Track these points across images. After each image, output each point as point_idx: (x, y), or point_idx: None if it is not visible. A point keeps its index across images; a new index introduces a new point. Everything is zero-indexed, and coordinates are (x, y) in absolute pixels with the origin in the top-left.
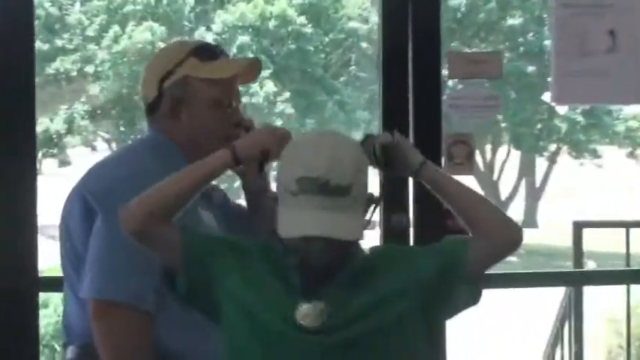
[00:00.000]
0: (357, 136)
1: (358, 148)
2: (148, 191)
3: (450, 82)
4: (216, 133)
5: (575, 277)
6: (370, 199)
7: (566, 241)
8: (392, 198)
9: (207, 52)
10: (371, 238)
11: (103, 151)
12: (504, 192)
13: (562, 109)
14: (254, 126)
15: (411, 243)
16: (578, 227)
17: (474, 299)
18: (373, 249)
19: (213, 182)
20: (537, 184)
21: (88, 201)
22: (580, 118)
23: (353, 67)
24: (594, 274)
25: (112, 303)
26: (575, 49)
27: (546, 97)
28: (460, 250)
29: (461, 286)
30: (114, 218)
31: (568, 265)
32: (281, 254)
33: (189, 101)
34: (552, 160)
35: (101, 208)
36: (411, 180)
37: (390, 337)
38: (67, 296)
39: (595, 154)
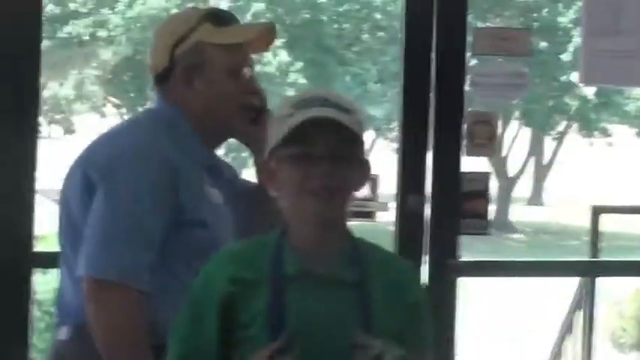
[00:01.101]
0: (372, 110)
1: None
2: None
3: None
4: (234, 101)
5: (589, 267)
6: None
7: (573, 219)
8: (408, 179)
9: (221, 18)
10: (387, 218)
11: (111, 116)
12: (512, 169)
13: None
14: (266, 97)
15: (428, 225)
16: (596, 212)
17: None
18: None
19: (223, 156)
20: (545, 162)
21: (90, 174)
22: (591, 97)
23: (367, 37)
24: (610, 265)
25: (105, 281)
26: (607, 28)
27: (573, 77)
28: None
29: None
30: (113, 193)
31: (575, 245)
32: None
33: (205, 68)
34: (561, 138)
35: (101, 181)
36: (429, 161)
37: None
38: (62, 273)
39: (605, 133)
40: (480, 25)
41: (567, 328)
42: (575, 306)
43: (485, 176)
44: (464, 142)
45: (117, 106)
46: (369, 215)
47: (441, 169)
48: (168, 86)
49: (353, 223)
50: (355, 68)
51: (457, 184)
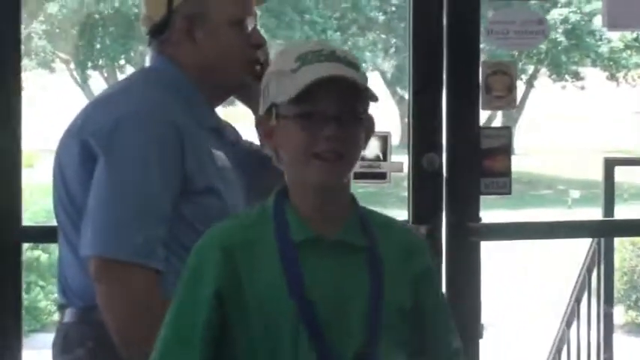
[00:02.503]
0: None
1: None
2: None
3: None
4: (238, 55)
5: (604, 227)
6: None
7: (544, 168)
8: (424, 139)
9: None
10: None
11: (60, 71)
12: (481, 118)
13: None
14: (268, 53)
15: (444, 185)
16: (610, 165)
17: None
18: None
19: (224, 119)
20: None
21: (89, 144)
22: (562, 38)
23: None
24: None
25: (116, 261)
26: None
27: (598, 20)
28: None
29: None
30: (117, 162)
31: (548, 194)
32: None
33: (207, 19)
34: (530, 82)
35: (103, 150)
36: (444, 120)
37: None
38: (63, 251)
39: (577, 77)
40: None
41: (581, 289)
42: (589, 266)
43: (507, 131)
44: (480, 96)
45: (65, 62)
46: (381, 176)
47: (458, 124)
48: (167, 39)
49: (364, 185)
50: (314, 16)
51: (477, 141)
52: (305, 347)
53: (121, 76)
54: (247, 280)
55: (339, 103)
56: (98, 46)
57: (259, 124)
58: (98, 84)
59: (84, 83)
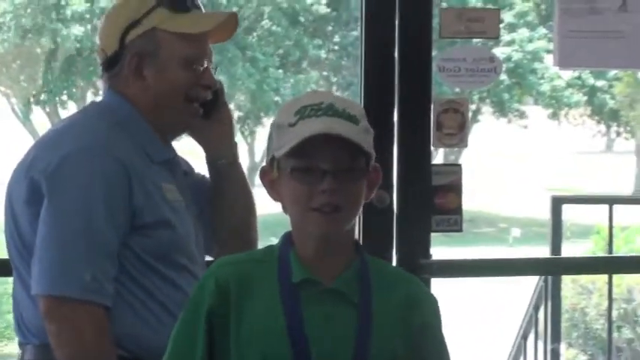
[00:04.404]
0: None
1: None
2: None
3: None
4: (180, 94)
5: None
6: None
7: (486, 205)
8: None
9: (180, 2)
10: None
11: (1, 105)
12: None
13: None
14: (224, 90)
15: (394, 222)
16: (557, 203)
17: None
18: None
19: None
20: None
21: (36, 182)
22: (503, 77)
23: (266, 21)
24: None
25: (65, 299)
26: (582, 7)
27: (548, 59)
28: None
29: None
30: (62, 202)
31: (490, 232)
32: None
33: (157, 57)
34: (474, 119)
35: (48, 190)
36: (395, 157)
37: None
38: (16, 288)
39: (521, 115)
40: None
41: (528, 327)
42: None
43: (458, 169)
44: (432, 133)
45: (6, 95)
46: None
47: (409, 161)
48: (117, 74)
49: None
50: (254, 53)
51: (428, 178)
52: None
53: (62, 112)
54: (240, 312)
55: (335, 158)
56: (40, 81)
57: (264, 175)
58: (40, 119)
59: (25, 119)
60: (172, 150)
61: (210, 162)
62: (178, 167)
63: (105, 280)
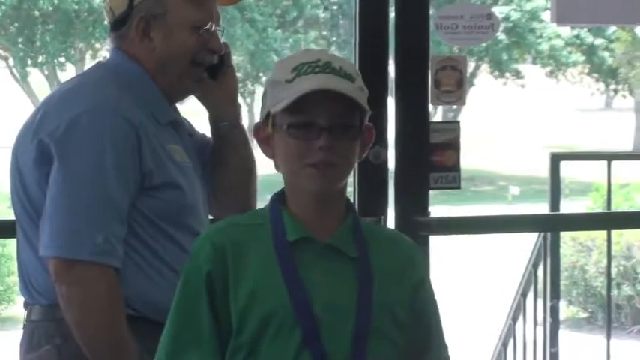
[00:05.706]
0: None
1: None
2: None
3: None
4: (186, 57)
5: (551, 222)
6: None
7: (485, 164)
8: None
9: None
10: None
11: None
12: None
13: None
14: (230, 54)
15: (392, 178)
16: (556, 160)
17: None
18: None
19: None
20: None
21: (45, 144)
22: (502, 36)
23: None
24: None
25: (76, 261)
26: None
27: (546, 17)
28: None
29: None
30: (73, 164)
31: (489, 190)
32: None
33: (165, 20)
34: (470, 80)
35: (58, 153)
36: (391, 114)
37: None
38: (22, 249)
39: (517, 74)
40: None
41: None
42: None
43: (456, 126)
44: (430, 90)
45: (4, 58)
46: None
47: (407, 119)
48: (125, 34)
49: None
50: (255, 14)
51: (426, 135)
52: (298, 340)
53: (61, 74)
54: (238, 276)
55: (331, 114)
56: (38, 43)
57: (257, 131)
58: (38, 81)
59: (23, 81)
60: (177, 111)
61: (213, 123)
62: (183, 128)
63: (116, 242)
